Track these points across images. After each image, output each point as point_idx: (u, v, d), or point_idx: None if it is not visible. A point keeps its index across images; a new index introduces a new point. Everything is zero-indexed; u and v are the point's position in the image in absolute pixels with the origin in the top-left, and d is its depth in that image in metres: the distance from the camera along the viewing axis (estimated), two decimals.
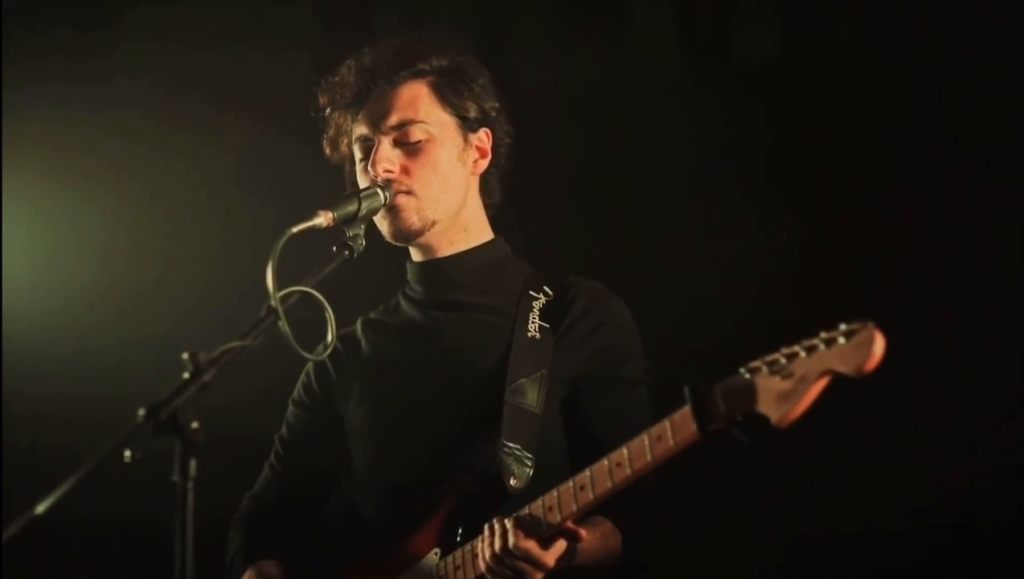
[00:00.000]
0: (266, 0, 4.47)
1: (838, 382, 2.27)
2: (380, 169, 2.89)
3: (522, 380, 2.87)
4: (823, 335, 2.27)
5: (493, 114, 3.05)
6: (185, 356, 2.23)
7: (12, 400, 4.43)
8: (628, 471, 2.48)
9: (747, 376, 2.33)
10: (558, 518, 2.56)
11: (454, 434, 2.89)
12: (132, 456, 2.12)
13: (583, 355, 2.94)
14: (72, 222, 4.53)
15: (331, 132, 3.05)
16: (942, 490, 3.68)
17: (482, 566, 2.62)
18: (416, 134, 2.93)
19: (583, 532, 2.59)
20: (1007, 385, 3.64)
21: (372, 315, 3.14)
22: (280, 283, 2.42)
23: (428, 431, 2.91)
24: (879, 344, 2.20)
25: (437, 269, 3.02)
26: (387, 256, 3.04)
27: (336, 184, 3.07)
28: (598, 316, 2.97)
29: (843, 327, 2.25)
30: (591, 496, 2.52)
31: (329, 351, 2.61)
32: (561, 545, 2.60)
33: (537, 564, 2.58)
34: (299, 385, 3.16)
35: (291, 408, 3.17)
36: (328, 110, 3.03)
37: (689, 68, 4.23)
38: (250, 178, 4.40)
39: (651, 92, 4.17)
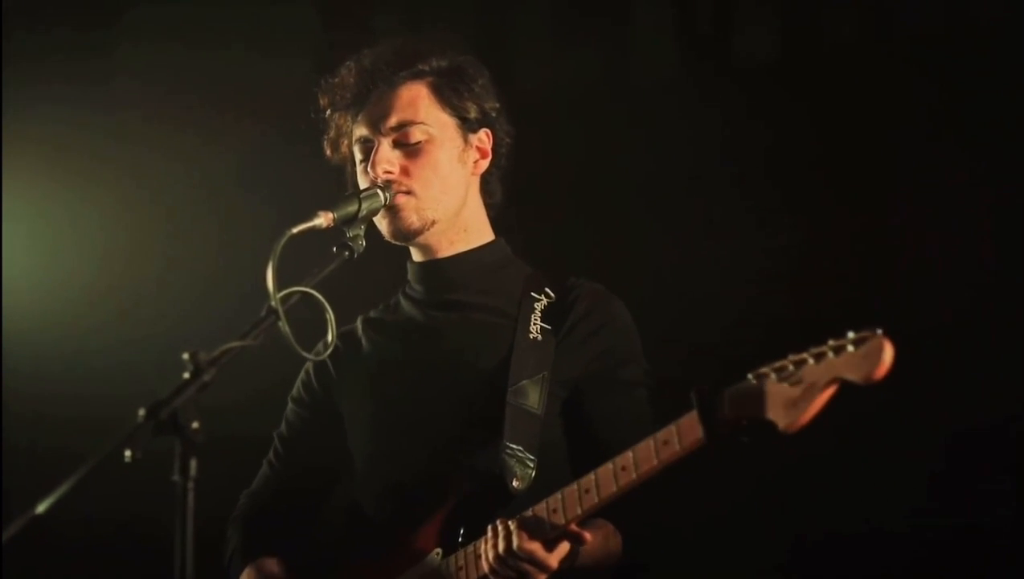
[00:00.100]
0: (266, 0, 4.47)
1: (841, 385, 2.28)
2: (380, 170, 2.89)
3: (524, 381, 2.87)
4: (831, 343, 2.28)
5: (493, 114, 3.05)
6: (185, 356, 2.23)
7: (12, 400, 4.43)
8: (634, 475, 2.48)
9: (755, 382, 2.34)
10: (562, 520, 2.56)
11: (455, 434, 2.89)
12: (132, 456, 2.11)
13: (584, 357, 2.94)
14: (72, 222, 4.53)
15: (331, 133, 3.05)
16: (942, 490, 3.68)
17: (485, 567, 2.63)
18: (416, 135, 2.93)
19: (587, 535, 2.60)
20: (1008, 384, 3.64)
21: (372, 314, 3.14)
22: (280, 283, 2.42)
23: (429, 431, 2.91)
24: (888, 353, 2.21)
25: (437, 269, 3.02)
26: (387, 256, 3.04)
27: (336, 185, 3.07)
28: (599, 318, 2.97)
29: (851, 335, 2.26)
30: (596, 499, 2.53)
31: (330, 351, 2.61)
32: (564, 547, 2.61)
33: (541, 566, 2.59)
34: (299, 383, 3.16)
35: (290, 406, 3.16)
36: (328, 111, 3.03)
37: (689, 68, 4.23)
38: (250, 178, 4.40)
39: (651, 92, 4.18)
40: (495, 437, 2.82)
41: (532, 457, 2.80)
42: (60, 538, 3.49)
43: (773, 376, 2.32)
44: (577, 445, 2.93)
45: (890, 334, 2.25)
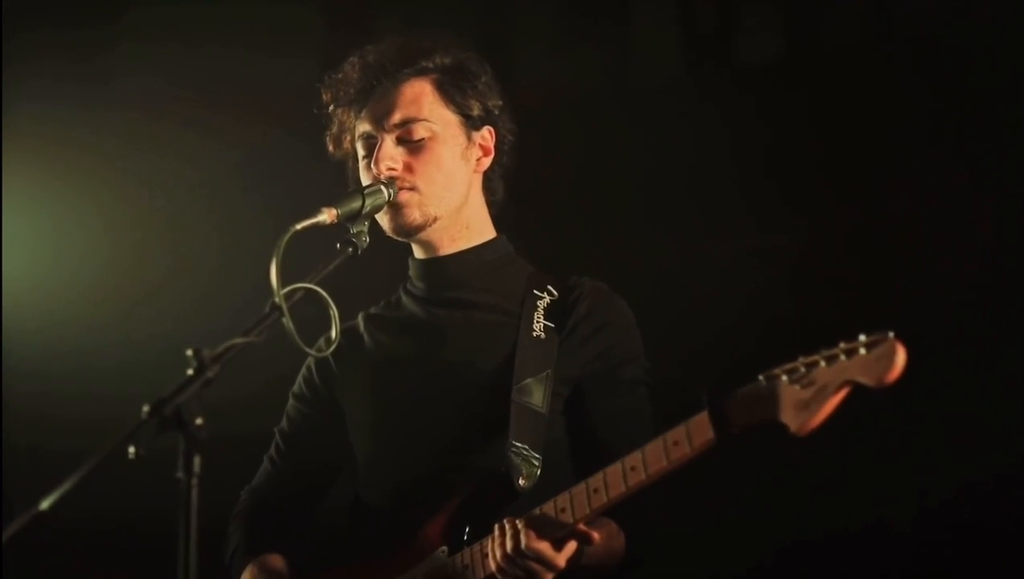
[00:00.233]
0: None
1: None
2: (383, 167, 2.89)
3: (528, 380, 2.87)
4: (843, 345, 2.28)
5: (496, 112, 3.04)
6: (189, 353, 2.22)
7: (13, 400, 4.43)
8: (643, 476, 2.48)
9: (766, 383, 2.34)
10: (570, 519, 2.56)
11: (459, 432, 2.89)
12: (136, 453, 2.11)
13: (587, 355, 2.94)
14: (73, 220, 4.53)
15: (334, 129, 3.04)
16: (943, 489, 3.68)
17: (492, 566, 2.62)
18: (419, 132, 2.92)
19: (596, 535, 2.60)
20: (1008, 384, 3.64)
21: (373, 310, 3.14)
22: (284, 280, 2.41)
23: (433, 429, 2.91)
24: (901, 356, 2.22)
25: (439, 266, 3.02)
26: (390, 253, 3.04)
27: (339, 182, 3.07)
28: (602, 316, 2.97)
29: (863, 338, 2.27)
30: (605, 499, 2.53)
31: (333, 347, 2.60)
32: (572, 546, 2.61)
33: (549, 565, 2.58)
34: (300, 378, 3.16)
35: (291, 401, 3.16)
36: (331, 107, 3.02)
37: (690, 68, 4.24)
38: (253, 176, 4.40)
39: (652, 92, 4.18)
40: (500, 435, 2.82)
41: (537, 455, 2.80)
42: (64, 535, 3.48)
43: (784, 378, 2.32)
44: (578, 443, 2.93)
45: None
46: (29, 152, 4.48)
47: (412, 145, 2.92)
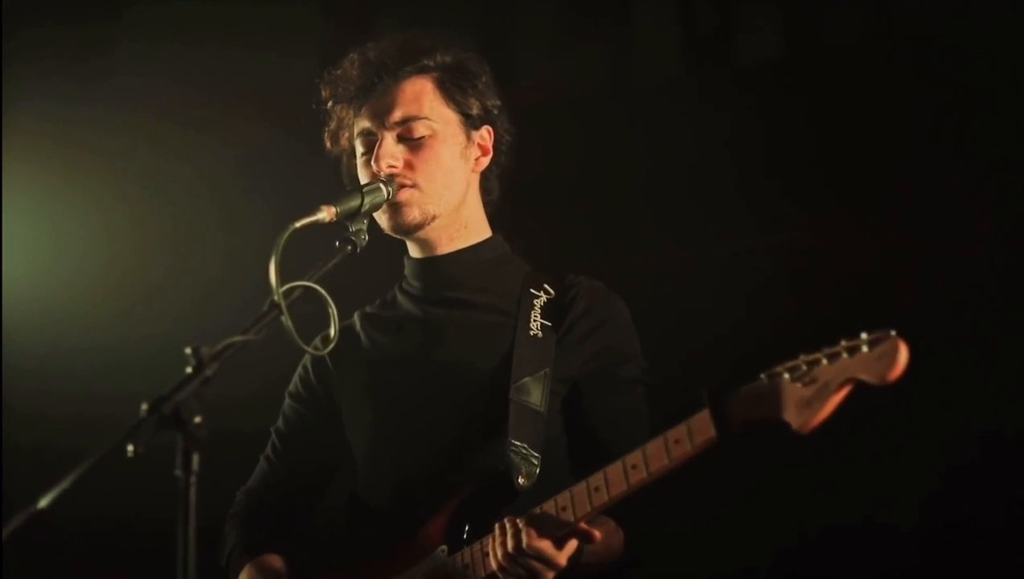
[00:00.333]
0: None
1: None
2: (384, 164, 2.88)
3: (526, 379, 2.86)
4: (844, 343, 2.29)
5: (495, 112, 3.04)
6: (188, 350, 2.22)
7: (13, 398, 4.42)
8: (644, 474, 2.49)
9: (768, 381, 2.34)
10: (572, 518, 2.56)
11: (458, 431, 2.88)
12: (135, 451, 2.11)
13: (584, 354, 2.94)
14: (73, 219, 4.53)
15: (332, 125, 3.03)
16: (943, 488, 3.68)
17: (493, 564, 2.62)
18: (420, 130, 2.92)
19: (597, 533, 2.60)
20: (1009, 383, 3.64)
21: (368, 309, 3.13)
22: (283, 278, 2.41)
23: (431, 428, 2.90)
24: (904, 354, 2.23)
25: (436, 266, 3.01)
26: (389, 250, 3.04)
27: (339, 180, 3.06)
28: (599, 315, 2.97)
29: (865, 336, 2.27)
30: (606, 497, 2.53)
31: (332, 345, 2.60)
32: (573, 545, 2.61)
33: (550, 564, 2.58)
34: (296, 378, 3.15)
35: (288, 401, 3.15)
36: (330, 103, 3.02)
37: (691, 68, 4.24)
38: (253, 174, 4.40)
39: (652, 91, 4.19)
40: (498, 434, 2.82)
41: (536, 454, 2.80)
42: (63, 533, 3.48)
43: (786, 376, 2.32)
44: (576, 442, 2.93)
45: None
46: (29, 150, 4.48)
47: (412, 143, 2.92)
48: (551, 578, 2.60)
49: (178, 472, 2.11)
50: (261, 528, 3.05)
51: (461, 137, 2.98)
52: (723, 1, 4.26)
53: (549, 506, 2.59)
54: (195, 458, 2.11)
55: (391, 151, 2.90)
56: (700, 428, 2.41)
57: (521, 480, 2.77)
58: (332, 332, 2.55)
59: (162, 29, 4.51)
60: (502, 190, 3.09)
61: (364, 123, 2.95)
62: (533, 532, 2.57)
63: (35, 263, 4.52)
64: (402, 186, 2.88)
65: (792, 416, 2.31)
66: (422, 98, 2.94)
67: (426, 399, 2.93)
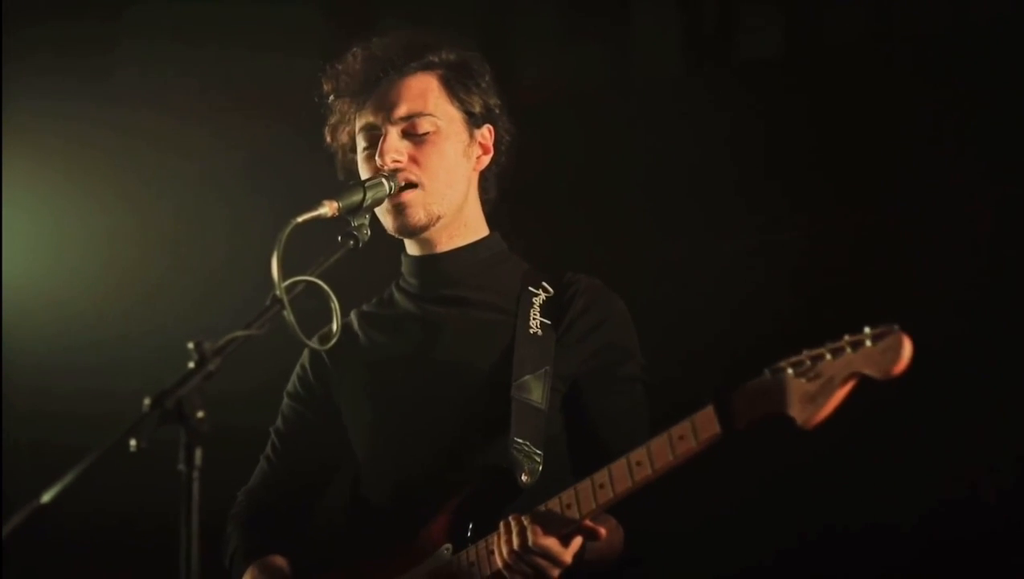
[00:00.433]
0: None
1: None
2: (388, 159, 2.87)
3: (527, 376, 2.86)
4: (848, 338, 2.29)
5: (496, 111, 3.04)
6: (190, 345, 2.22)
7: (14, 394, 4.42)
8: (649, 470, 2.49)
9: (772, 377, 2.34)
10: (577, 515, 2.57)
11: (460, 429, 2.88)
12: (137, 446, 2.10)
13: (584, 352, 2.94)
14: (74, 216, 4.53)
15: (333, 119, 3.03)
16: (943, 487, 3.68)
17: (499, 563, 2.62)
18: (424, 126, 2.92)
19: (603, 530, 2.60)
20: (1010, 383, 3.64)
21: (365, 308, 3.12)
22: (285, 273, 2.41)
23: (433, 426, 2.90)
24: (908, 348, 2.24)
25: (435, 264, 3.01)
26: (391, 246, 3.03)
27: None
28: (598, 313, 2.97)
29: (868, 330, 2.28)
30: (611, 494, 2.53)
31: (335, 340, 2.59)
32: (578, 542, 2.61)
33: (556, 561, 2.59)
34: (294, 377, 3.14)
35: (286, 400, 3.14)
36: (331, 97, 3.01)
37: (691, 67, 4.24)
38: (254, 171, 4.40)
39: (653, 90, 4.19)
40: (500, 432, 2.82)
41: (539, 452, 2.79)
42: (65, 528, 3.48)
43: (790, 371, 2.33)
44: (576, 439, 2.93)
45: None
46: (29, 148, 4.48)
47: (416, 139, 2.91)
48: (556, 576, 2.60)
49: (181, 467, 2.11)
50: (262, 529, 3.05)
51: (464, 135, 2.98)
52: (723, 1, 4.26)
53: (554, 503, 2.59)
54: (198, 453, 2.11)
55: (396, 146, 2.89)
56: (704, 424, 2.42)
57: (524, 478, 2.77)
58: (334, 327, 2.55)
59: (162, 27, 4.51)
60: (500, 189, 3.09)
61: (368, 118, 2.95)
62: (539, 530, 2.57)
63: (36, 261, 4.51)
64: (406, 181, 2.88)
65: (797, 411, 2.31)
66: (427, 94, 2.94)
67: (427, 397, 2.92)
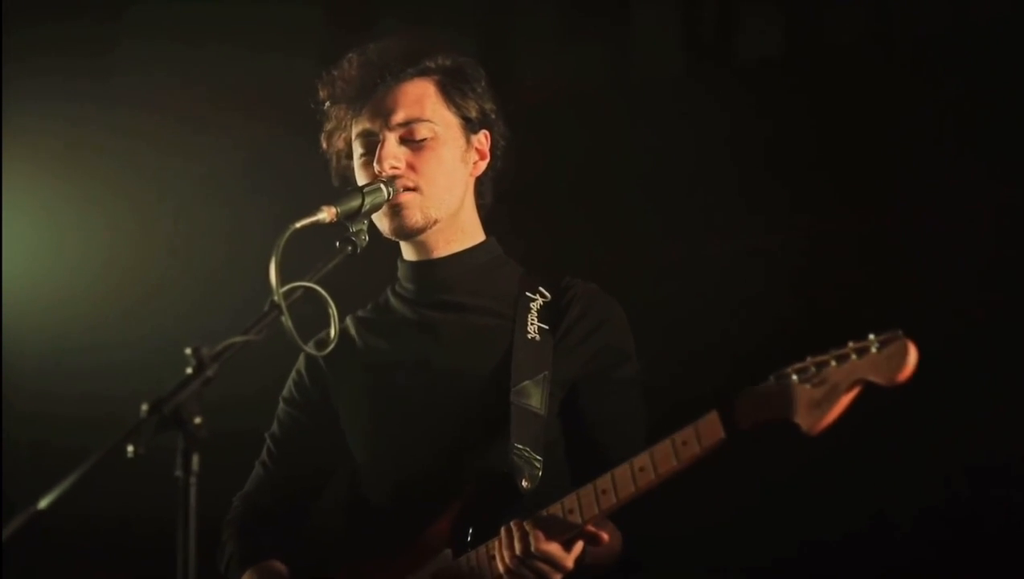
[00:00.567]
0: None
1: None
2: (387, 165, 2.87)
3: (526, 382, 2.86)
4: (852, 345, 2.30)
5: (492, 116, 3.04)
6: (188, 351, 2.22)
7: (14, 397, 4.42)
8: (652, 476, 2.49)
9: (776, 383, 2.34)
10: (579, 521, 2.57)
11: (459, 435, 2.88)
12: (135, 451, 2.11)
13: (582, 357, 2.94)
14: (74, 219, 4.53)
15: (329, 125, 3.03)
16: (943, 489, 3.69)
17: (501, 568, 2.62)
18: (422, 132, 2.91)
19: (605, 535, 2.60)
20: (1012, 384, 3.64)
21: (361, 313, 3.12)
22: (283, 278, 2.41)
23: (433, 431, 2.90)
24: (913, 355, 2.25)
25: (432, 269, 3.00)
26: (389, 251, 3.03)
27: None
28: (596, 317, 2.97)
29: (873, 337, 2.29)
30: (614, 499, 2.54)
31: (333, 345, 2.59)
32: (579, 547, 2.61)
33: (558, 566, 2.59)
34: (290, 383, 3.13)
35: (282, 406, 3.14)
36: (327, 103, 3.01)
37: (691, 67, 4.24)
38: (254, 174, 4.40)
39: (653, 90, 4.18)
40: (500, 437, 2.82)
41: (539, 457, 2.80)
42: (62, 533, 3.48)
43: (795, 377, 2.34)
44: (574, 444, 2.94)
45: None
46: (29, 149, 4.48)
47: (414, 145, 2.91)
48: None
49: (178, 473, 2.11)
50: (259, 534, 3.04)
51: (461, 140, 2.98)
52: (724, 1, 4.26)
53: (556, 509, 2.59)
54: (195, 459, 2.12)
55: (394, 152, 2.89)
56: (708, 430, 2.42)
57: (525, 483, 2.77)
58: (332, 333, 2.55)
59: (163, 28, 4.51)
60: (496, 194, 3.09)
61: (364, 124, 2.94)
62: (541, 535, 2.58)
63: (35, 263, 4.51)
64: (404, 188, 2.87)
65: (802, 417, 2.32)
66: (424, 100, 2.93)
67: (426, 402, 2.92)
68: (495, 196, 3.08)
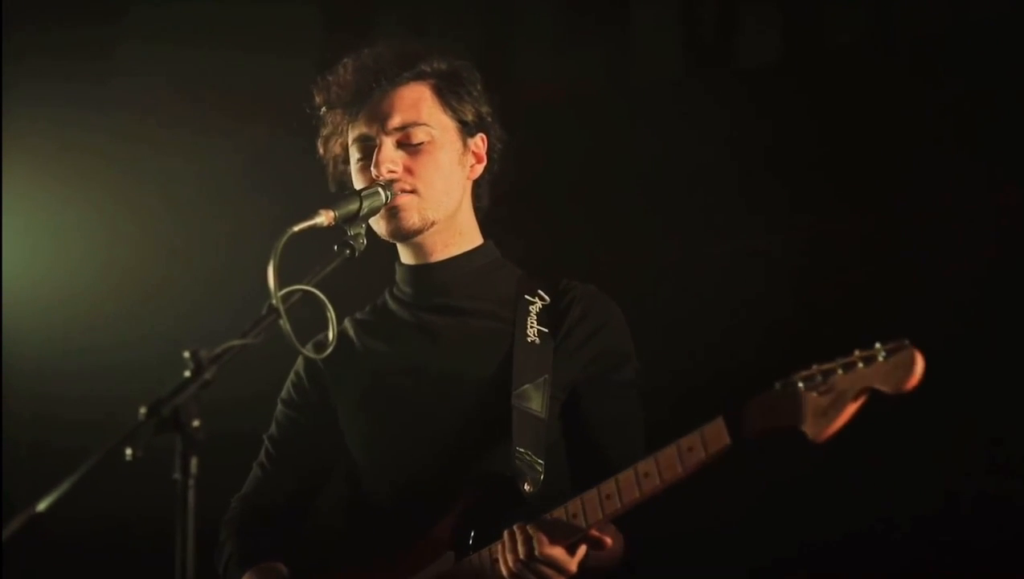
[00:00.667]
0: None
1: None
2: (384, 169, 2.87)
3: (527, 386, 2.86)
4: (859, 353, 2.30)
5: (488, 119, 3.04)
6: (186, 354, 2.22)
7: (13, 399, 4.43)
8: (658, 481, 2.50)
9: (782, 390, 2.35)
10: (583, 525, 2.57)
11: (460, 438, 2.88)
12: (133, 454, 2.11)
13: (582, 360, 2.94)
14: (73, 221, 4.53)
15: (326, 131, 3.03)
16: (944, 490, 3.68)
17: (504, 571, 2.62)
18: (419, 136, 2.91)
19: (609, 540, 2.61)
20: (1010, 385, 3.64)
21: (359, 315, 3.11)
22: (281, 282, 2.41)
23: (434, 434, 2.90)
24: (920, 364, 2.26)
25: (430, 273, 3.00)
26: (386, 255, 3.04)
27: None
28: (596, 319, 2.97)
29: (879, 346, 2.29)
30: (618, 505, 2.54)
31: (331, 349, 2.59)
32: (582, 551, 2.61)
33: (562, 570, 2.59)
34: (288, 384, 3.13)
35: (280, 407, 3.13)
36: (323, 108, 3.01)
37: (691, 68, 4.24)
38: (253, 176, 4.40)
39: (653, 92, 4.18)
40: (501, 441, 2.81)
41: (540, 461, 2.80)
42: (61, 536, 3.48)
43: (801, 384, 2.34)
44: (574, 446, 2.93)
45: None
46: (29, 152, 4.49)
47: (411, 149, 2.91)
48: None
49: (176, 475, 2.11)
50: (258, 535, 3.04)
51: (458, 144, 2.98)
52: (723, 2, 4.26)
53: (559, 512, 2.60)
54: (193, 461, 2.11)
55: (391, 156, 2.89)
56: (714, 436, 2.43)
57: (527, 487, 2.77)
58: (330, 336, 2.55)
59: (163, 31, 4.51)
60: (493, 197, 3.09)
61: (361, 129, 2.94)
62: (544, 538, 2.58)
63: (35, 264, 4.52)
64: (403, 191, 2.87)
65: (808, 425, 2.33)
66: (420, 104, 2.93)
67: (425, 405, 2.92)
68: (492, 199, 3.08)
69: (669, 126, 4.09)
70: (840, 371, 2.31)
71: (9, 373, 4.44)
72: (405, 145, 2.91)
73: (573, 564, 2.60)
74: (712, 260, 4.03)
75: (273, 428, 3.14)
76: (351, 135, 2.97)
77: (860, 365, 2.29)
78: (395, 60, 2.95)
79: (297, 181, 3.29)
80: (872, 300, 3.80)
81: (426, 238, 2.96)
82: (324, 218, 2.61)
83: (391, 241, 2.98)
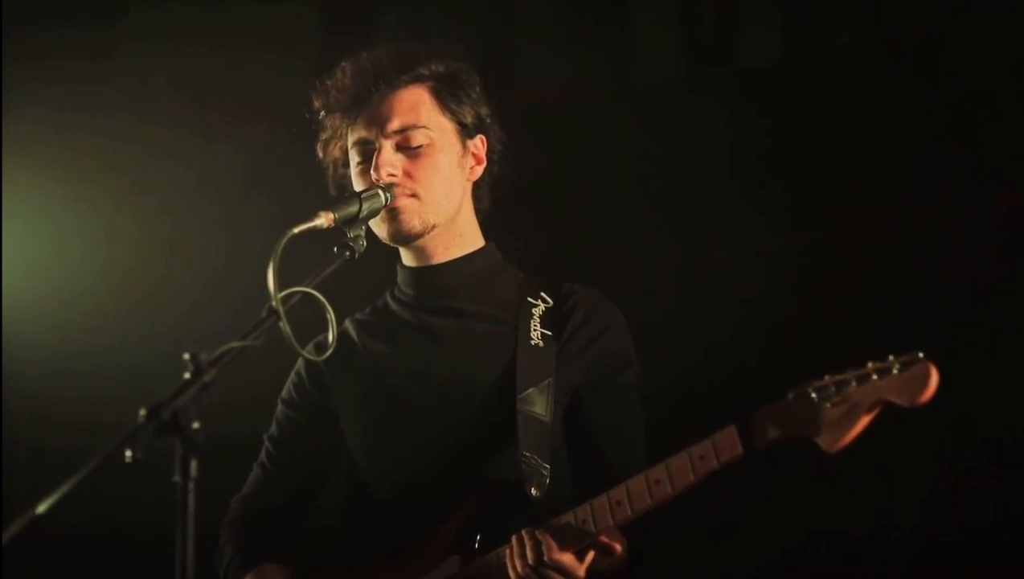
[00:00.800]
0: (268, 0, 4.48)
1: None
2: (384, 173, 2.86)
3: (531, 389, 2.85)
4: (872, 365, 2.31)
5: (488, 121, 3.03)
6: (186, 356, 2.22)
7: (13, 400, 4.43)
8: (668, 489, 2.51)
9: (795, 400, 2.36)
10: (592, 531, 2.58)
11: (464, 441, 2.87)
12: (133, 456, 2.10)
13: (585, 363, 2.93)
14: (73, 222, 4.53)
15: (325, 135, 3.02)
16: (944, 491, 3.68)
17: (512, 576, 2.62)
18: (418, 139, 2.90)
19: (618, 547, 2.61)
20: (1013, 386, 3.64)
21: (360, 316, 3.11)
22: (281, 284, 2.41)
23: (434, 436, 2.89)
24: (935, 377, 2.28)
25: (432, 275, 3.00)
26: (387, 257, 3.03)
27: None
28: (599, 323, 2.96)
29: (893, 358, 2.30)
30: (628, 511, 2.55)
31: (331, 352, 2.59)
32: (591, 557, 2.62)
33: (571, 576, 2.59)
34: (289, 384, 3.13)
35: (281, 408, 3.13)
36: (322, 112, 3.00)
37: (691, 69, 4.24)
38: (253, 178, 4.40)
39: (653, 93, 4.18)
40: (507, 444, 2.81)
41: (546, 465, 2.79)
42: (61, 539, 3.49)
43: (814, 395, 2.34)
44: (576, 450, 2.93)
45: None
46: (28, 153, 4.49)
47: (410, 152, 2.90)
48: None
49: (176, 478, 2.11)
50: (258, 536, 3.03)
51: (457, 146, 2.97)
52: (723, 2, 4.26)
53: (568, 518, 2.60)
54: (193, 464, 2.11)
55: (390, 159, 2.88)
56: (727, 445, 2.44)
57: (533, 491, 2.77)
58: (330, 337, 2.54)
59: (163, 31, 4.51)
60: (493, 198, 3.08)
61: (360, 132, 2.93)
62: (554, 544, 2.58)
63: (35, 265, 4.52)
64: (402, 194, 2.86)
65: (821, 436, 2.34)
66: (419, 107, 2.92)
67: (427, 407, 2.92)
68: (493, 200, 3.08)
69: (669, 126, 4.09)
70: (854, 383, 2.32)
71: (9, 374, 4.44)
72: (404, 148, 2.90)
73: (582, 570, 2.60)
74: (712, 262, 4.03)
75: (273, 428, 3.13)
76: (350, 139, 2.96)
77: (874, 377, 2.30)
78: (393, 63, 2.94)
79: (297, 182, 3.29)
80: (872, 300, 3.80)
81: (427, 241, 2.95)
82: (324, 220, 2.60)
83: (392, 244, 2.97)
